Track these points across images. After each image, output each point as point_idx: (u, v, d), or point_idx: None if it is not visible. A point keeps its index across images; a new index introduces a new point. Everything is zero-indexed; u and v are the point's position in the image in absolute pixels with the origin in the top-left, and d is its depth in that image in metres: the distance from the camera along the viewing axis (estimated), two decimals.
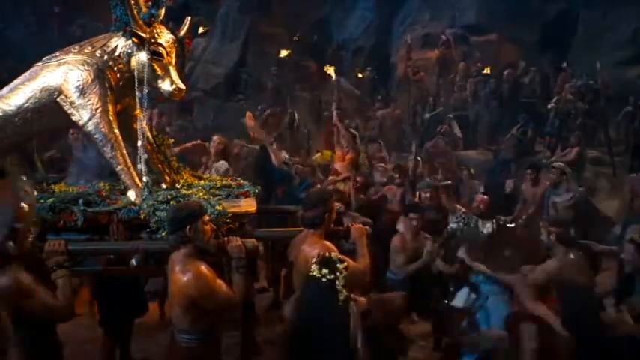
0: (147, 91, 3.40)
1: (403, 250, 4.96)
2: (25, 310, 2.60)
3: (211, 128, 13.06)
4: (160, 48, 3.40)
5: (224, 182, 3.94)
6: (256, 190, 3.81)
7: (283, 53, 14.58)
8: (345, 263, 2.74)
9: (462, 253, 4.28)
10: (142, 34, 3.34)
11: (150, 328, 4.77)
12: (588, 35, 12.92)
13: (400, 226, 5.18)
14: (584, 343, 2.69)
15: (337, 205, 3.61)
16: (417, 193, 6.52)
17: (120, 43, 3.45)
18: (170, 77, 3.39)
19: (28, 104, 3.40)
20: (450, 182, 7.11)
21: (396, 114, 12.97)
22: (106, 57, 3.43)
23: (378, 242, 4.57)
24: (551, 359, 2.86)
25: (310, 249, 3.11)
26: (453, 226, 5.80)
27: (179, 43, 3.55)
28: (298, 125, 12.41)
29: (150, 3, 3.49)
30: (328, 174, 8.18)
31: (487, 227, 5.60)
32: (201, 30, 13.18)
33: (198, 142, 8.02)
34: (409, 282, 4.82)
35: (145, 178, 3.37)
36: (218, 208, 3.20)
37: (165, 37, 3.45)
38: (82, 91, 3.33)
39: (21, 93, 3.41)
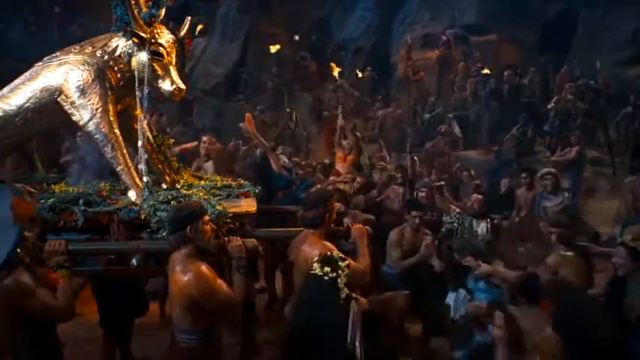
0: (147, 91, 3.40)
1: (399, 245, 4.97)
2: (25, 311, 2.60)
3: (211, 128, 13.09)
4: (161, 48, 3.40)
5: (224, 182, 3.95)
6: (256, 190, 3.81)
7: (273, 49, 14.58)
8: (347, 262, 2.74)
9: (469, 261, 4.25)
10: (142, 34, 3.35)
11: (150, 328, 4.77)
12: (588, 35, 12.92)
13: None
14: (577, 344, 2.70)
15: (337, 205, 3.61)
16: (415, 193, 6.55)
17: (120, 43, 3.45)
18: (170, 77, 3.40)
19: (28, 104, 3.41)
20: (443, 183, 7.11)
21: (397, 114, 12.98)
22: (106, 57, 3.43)
23: (379, 242, 4.57)
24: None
25: (310, 249, 3.11)
26: (447, 225, 5.84)
27: (179, 43, 3.56)
28: (297, 123, 12.44)
29: (150, 3, 3.50)
30: (328, 174, 8.19)
31: (482, 226, 5.63)
32: (198, 29, 13.18)
33: (196, 143, 8.05)
34: (405, 278, 4.82)
35: (145, 178, 3.38)
36: (218, 208, 3.21)
37: (165, 37, 3.46)
38: (83, 91, 3.34)
39: (21, 93, 3.41)
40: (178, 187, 3.68)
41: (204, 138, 6.96)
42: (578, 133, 9.13)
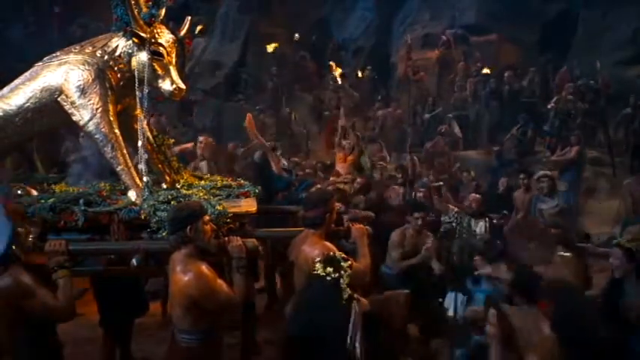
0: (147, 91, 3.40)
1: (401, 246, 4.96)
2: (25, 311, 2.60)
3: (211, 128, 13.09)
4: (161, 48, 3.40)
5: (224, 182, 3.95)
6: (256, 190, 3.81)
7: (270, 48, 14.59)
8: (349, 262, 2.74)
9: (478, 261, 4.23)
10: (142, 34, 3.35)
11: (150, 328, 4.77)
12: (588, 35, 12.92)
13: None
14: (575, 345, 2.70)
15: (338, 205, 3.61)
16: (413, 193, 6.56)
17: (120, 43, 3.45)
18: (170, 77, 3.40)
19: (28, 104, 3.40)
20: (441, 183, 7.11)
21: (397, 114, 12.98)
22: (106, 57, 3.43)
23: (379, 242, 4.57)
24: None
25: (311, 249, 3.11)
26: (446, 225, 5.83)
27: (179, 43, 3.55)
28: (295, 121, 12.44)
29: (150, 3, 3.49)
30: (329, 174, 8.19)
31: (480, 226, 5.63)
32: (198, 29, 13.19)
33: (192, 143, 8.10)
34: (404, 278, 4.82)
35: (145, 178, 3.37)
36: (218, 208, 3.20)
37: (165, 37, 3.46)
38: (83, 91, 3.34)
39: (21, 93, 3.41)
40: (178, 187, 3.68)
41: (200, 138, 7.01)
42: (578, 133, 9.12)
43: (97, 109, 3.34)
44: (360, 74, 15.00)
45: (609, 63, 11.25)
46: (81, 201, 3.20)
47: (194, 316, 2.75)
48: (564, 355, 2.68)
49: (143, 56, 3.36)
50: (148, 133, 3.64)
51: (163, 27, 3.52)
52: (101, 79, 3.38)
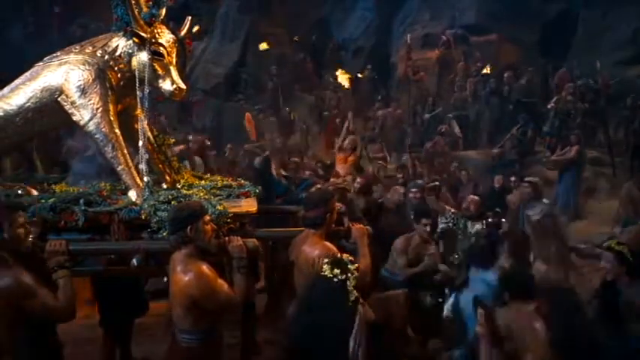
0: (148, 91, 3.39)
1: (405, 253, 4.91)
2: (25, 311, 2.59)
3: (211, 128, 13.09)
4: (161, 48, 3.40)
5: (225, 182, 3.95)
6: (257, 190, 3.81)
7: (262, 47, 14.61)
8: (356, 265, 2.74)
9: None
10: (142, 34, 3.34)
11: (150, 328, 4.77)
12: (588, 35, 12.93)
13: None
14: (570, 345, 2.70)
15: (338, 205, 3.61)
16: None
17: (121, 43, 3.45)
18: (171, 77, 3.40)
19: (29, 104, 3.40)
20: (437, 183, 7.08)
21: (397, 114, 12.99)
22: (106, 57, 3.43)
23: (379, 242, 4.56)
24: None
25: (311, 249, 3.11)
26: (442, 226, 5.81)
27: (180, 43, 3.55)
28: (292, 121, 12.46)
29: (151, 3, 3.49)
30: (329, 174, 8.20)
31: (476, 228, 5.61)
32: (194, 30, 13.20)
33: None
34: (407, 284, 4.80)
35: (145, 178, 3.37)
36: (219, 208, 3.20)
37: (166, 36, 3.46)
38: (83, 91, 3.33)
39: (22, 93, 3.41)
40: (179, 187, 3.68)
41: (190, 137, 7.06)
42: (577, 132, 9.13)
43: (97, 109, 3.34)
44: (360, 74, 15.01)
45: (609, 63, 11.26)
46: (81, 201, 3.20)
47: (194, 316, 2.75)
48: (558, 355, 2.68)
49: (143, 56, 3.36)
50: (149, 133, 3.64)
51: (164, 27, 3.52)
52: (101, 79, 3.38)
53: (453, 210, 6.06)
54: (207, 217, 2.91)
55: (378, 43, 16.22)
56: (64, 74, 3.37)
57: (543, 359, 2.74)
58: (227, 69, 15.14)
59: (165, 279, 3.32)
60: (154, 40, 3.38)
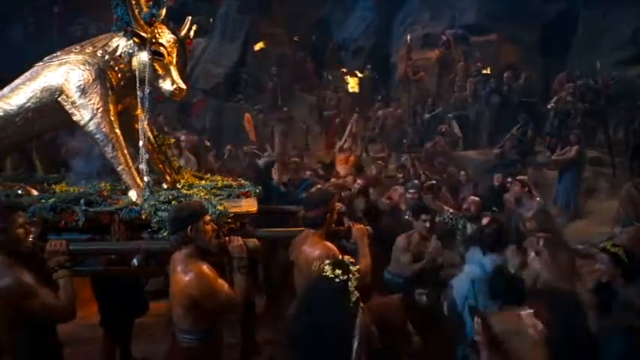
0: (148, 91, 3.39)
1: (408, 250, 4.91)
2: (25, 310, 2.59)
3: (211, 128, 13.10)
4: (161, 48, 3.40)
5: (225, 182, 3.95)
6: (257, 190, 3.81)
7: (257, 47, 14.61)
8: (357, 267, 2.74)
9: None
10: (143, 34, 3.34)
11: (150, 328, 4.77)
12: (588, 35, 12.92)
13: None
14: (570, 346, 2.70)
15: (338, 205, 3.61)
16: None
17: (121, 43, 3.45)
18: (171, 77, 3.40)
19: (29, 104, 3.40)
20: (434, 182, 7.07)
21: (397, 114, 13.00)
22: (107, 57, 3.43)
23: (379, 243, 4.56)
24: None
25: (311, 249, 3.11)
26: (441, 226, 5.81)
27: (180, 43, 3.55)
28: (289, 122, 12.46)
29: (151, 3, 3.49)
30: (329, 174, 8.20)
31: (475, 229, 5.61)
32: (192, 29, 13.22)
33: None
34: (410, 282, 4.80)
35: (146, 178, 3.37)
36: (219, 207, 3.20)
37: (166, 36, 3.46)
38: (84, 91, 3.33)
39: (22, 93, 3.41)
40: (179, 186, 3.68)
41: (182, 136, 7.09)
42: (577, 132, 9.13)
43: (97, 109, 3.34)
44: (360, 74, 15.03)
45: (609, 63, 11.26)
46: (82, 201, 3.20)
47: (195, 316, 2.75)
48: (559, 355, 2.68)
49: (144, 56, 3.36)
50: (149, 133, 3.64)
51: (164, 27, 3.52)
52: (102, 79, 3.37)
53: (451, 210, 6.06)
54: (208, 217, 2.92)
55: (378, 43, 16.23)
56: (65, 74, 3.37)
57: None
58: (227, 69, 15.14)
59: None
60: (154, 40, 3.38)
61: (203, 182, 3.92)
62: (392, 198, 6.51)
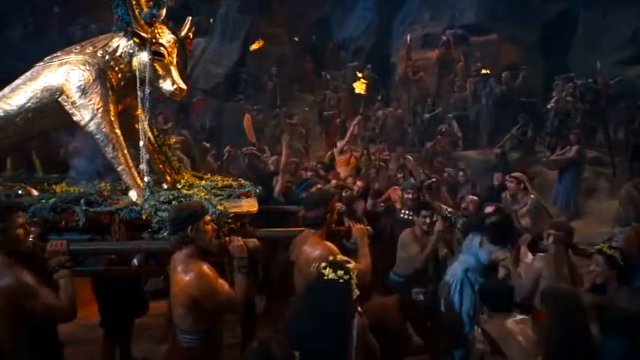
0: (148, 91, 3.40)
1: (415, 241, 4.86)
2: (26, 310, 2.59)
3: (210, 128, 13.10)
4: (162, 48, 3.40)
5: (225, 182, 3.95)
6: (257, 190, 3.81)
7: (254, 47, 14.61)
8: (352, 263, 2.74)
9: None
10: (143, 34, 3.35)
11: (150, 328, 4.77)
12: (588, 35, 12.92)
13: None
14: (570, 346, 2.70)
15: (338, 205, 3.61)
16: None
17: (121, 44, 3.45)
18: (171, 77, 3.40)
19: (29, 104, 3.40)
20: (433, 180, 7.05)
21: (397, 114, 12.99)
22: (107, 57, 3.43)
23: (379, 243, 4.56)
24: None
25: (311, 249, 3.11)
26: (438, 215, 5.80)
27: (180, 43, 3.55)
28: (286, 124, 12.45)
29: (151, 3, 3.50)
30: (330, 173, 8.19)
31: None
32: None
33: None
34: (409, 282, 4.78)
35: (146, 178, 3.38)
36: (220, 208, 3.21)
37: (166, 37, 3.46)
38: (84, 91, 3.33)
39: (22, 93, 3.41)
40: (179, 187, 3.68)
41: (173, 137, 7.11)
42: (577, 132, 9.13)
43: (97, 109, 3.34)
44: (360, 74, 15.03)
45: (609, 63, 11.25)
46: (82, 201, 3.20)
47: (195, 316, 2.75)
48: (558, 355, 2.68)
49: (144, 56, 3.37)
50: (149, 133, 3.64)
51: (164, 27, 3.52)
52: (102, 80, 3.38)
53: (449, 209, 6.05)
54: (208, 217, 2.92)
55: (378, 43, 16.23)
56: (65, 74, 3.37)
57: None
58: (227, 69, 15.15)
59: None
60: (154, 41, 3.38)
61: (203, 182, 3.92)
62: (390, 197, 6.49)
